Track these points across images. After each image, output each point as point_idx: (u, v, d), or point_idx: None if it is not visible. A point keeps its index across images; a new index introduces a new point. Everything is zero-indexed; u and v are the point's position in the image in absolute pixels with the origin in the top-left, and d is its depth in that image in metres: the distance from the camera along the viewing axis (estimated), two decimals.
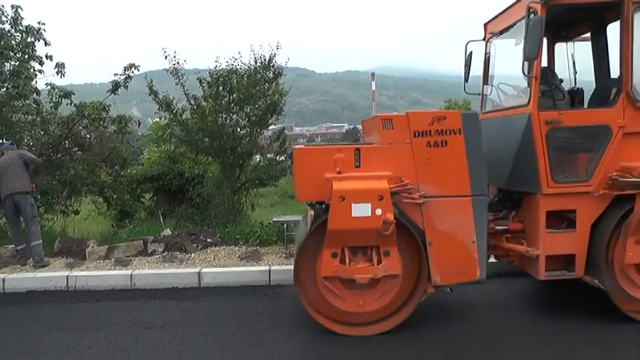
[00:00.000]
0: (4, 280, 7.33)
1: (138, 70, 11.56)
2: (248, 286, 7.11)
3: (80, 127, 11.48)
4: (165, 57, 12.34)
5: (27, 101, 10.73)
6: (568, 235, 5.51)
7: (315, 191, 5.22)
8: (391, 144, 5.30)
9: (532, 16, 5.17)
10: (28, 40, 10.76)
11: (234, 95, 12.16)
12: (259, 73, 12.05)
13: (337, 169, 5.19)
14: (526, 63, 5.28)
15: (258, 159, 13.81)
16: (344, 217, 5.00)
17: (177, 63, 12.38)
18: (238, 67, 12.44)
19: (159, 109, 12.32)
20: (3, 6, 10.61)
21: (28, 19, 10.85)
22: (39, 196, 10.22)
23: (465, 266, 5.35)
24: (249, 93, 11.96)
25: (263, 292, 6.87)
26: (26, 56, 10.77)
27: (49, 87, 10.96)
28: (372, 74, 60.34)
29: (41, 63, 11.01)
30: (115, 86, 11.31)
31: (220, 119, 12.23)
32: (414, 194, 5.20)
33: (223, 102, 12.20)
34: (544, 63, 6.45)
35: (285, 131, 15.42)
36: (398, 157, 5.26)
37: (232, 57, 12.51)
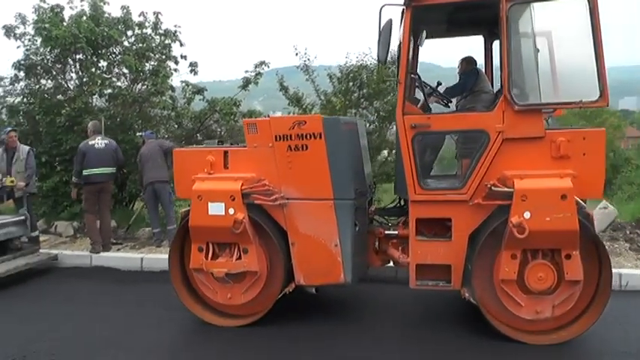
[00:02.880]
0: (142, 259, 8.87)
1: (268, 67, 12.97)
2: None
3: (211, 122, 13.17)
4: (296, 54, 12.85)
5: (163, 97, 12.63)
6: (442, 245, 5.50)
7: (189, 190, 5.82)
8: (255, 147, 5.76)
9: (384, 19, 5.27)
10: (166, 42, 12.66)
11: (364, 91, 12.59)
12: (389, 68, 12.13)
13: (207, 170, 5.82)
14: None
15: (385, 154, 14.18)
16: (202, 214, 5.61)
17: (308, 59, 12.96)
18: (368, 62, 12.76)
19: (289, 104, 12.96)
20: (146, 13, 12.63)
21: (166, 23, 13.10)
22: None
23: (327, 268, 5.63)
24: (379, 88, 12.31)
25: None
26: (164, 57, 12.71)
27: (183, 84, 12.95)
28: None
29: (176, 62, 12.97)
30: (246, 82, 12.73)
31: (350, 114, 12.61)
32: (272, 196, 5.61)
33: (353, 97, 12.69)
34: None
35: None
36: (261, 159, 5.71)
37: (362, 52, 12.76)
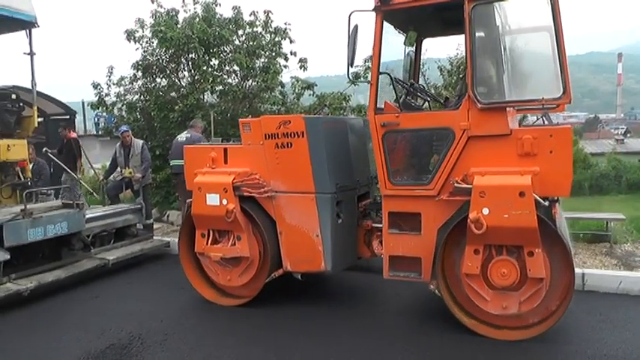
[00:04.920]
0: None
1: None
2: None
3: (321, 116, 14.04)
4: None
5: (273, 93, 13.74)
6: (413, 238, 5.83)
7: (193, 182, 6.67)
8: (249, 144, 6.49)
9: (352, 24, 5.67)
10: (276, 39, 13.69)
11: None
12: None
13: (210, 165, 6.66)
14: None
15: None
16: (201, 204, 6.49)
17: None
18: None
19: None
20: (257, 12, 13.77)
21: (277, 21, 13.86)
22: None
23: (310, 257, 6.24)
24: None
25: None
26: (274, 54, 13.73)
27: (293, 80, 13.86)
28: (619, 55, 50.40)
29: (286, 59, 13.93)
30: (355, 77, 12.99)
31: None
32: (262, 189, 6.31)
33: None
34: None
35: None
36: (254, 156, 6.42)
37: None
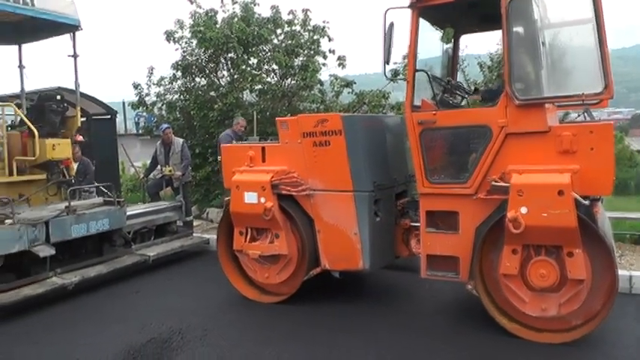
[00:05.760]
0: None
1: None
2: None
3: (360, 114, 14.06)
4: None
5: (312, 91, 13.80)
6: (450, 237, 5.81)
7: (231, 180, 6.77)
8: (287, 143, 6.56)
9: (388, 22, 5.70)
10: (315, 37, 13.77)
11: None
12: None
13: (247, 163, 6.76)
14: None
15: None
16: (239, 202, 6.60)
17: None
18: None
19: None
20: (295, 11, 13.88)
21: (315, 19, 13.94)
22: None
23: (348, 255, 6.28)
24: None
25: None
26: (312, 52, 13.80)
27: (332, 78, 13.94)
28: None
29: (325, 57, 13.97)
30: (394, 74, 12.99)
31: None
32: (300, 187, 6.37)
33: None
34: None
35: None
36: (292, 154, 6.48)
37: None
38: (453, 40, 7.17)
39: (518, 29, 5.46)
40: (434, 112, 5.84)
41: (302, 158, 6.42)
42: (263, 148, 6.81)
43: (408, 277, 7.38)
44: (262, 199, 6.41)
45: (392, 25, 5.71)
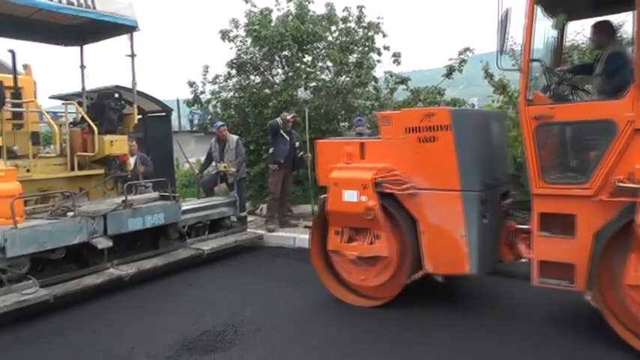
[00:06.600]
0: (294, 238, 10.04)
1: (472, 53, 13.23)
2: None
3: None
4: None
5: (366, 88, 13.64)
6: (565, 242, 5.31)
7: (328, 177, 6.44)
8: (389, 139, 6.16)
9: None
10: (369, 34, 13.62)
11: None
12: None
13: (345, 160, 6.41)
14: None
15: None
16: (337, 201, 6.22)
17: (514, 43, 12.13)
18: (580, 42, 12.17)
19: (493, 92, 12.76)
20: (350, 8, 13.73)
21: (370, 16, 13.84)
22: None
23: (454, 258, 5.84)
24: None
25: None
26: (367, 49, 13.65)
27: (386, 75, 13.79)
28: None
29: (379, 54, 13.82)
30: (450, 70, 13.18)
31: None
32: (403, 185, 5.98)
33: None
34: None
35: None
36: (394, 150, 6.09)
37: (574, 31, 11.88)
38: (562, 28, 6.64)
39: None
40: (551, 106, 5.37)
41: (405, 155, 6.02)
42: (362, 144, 6.47)
43: (513, 284, 6.94)
44: (363, 198, 6.03)
45: (507, 11, 5.23)
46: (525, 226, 5.81)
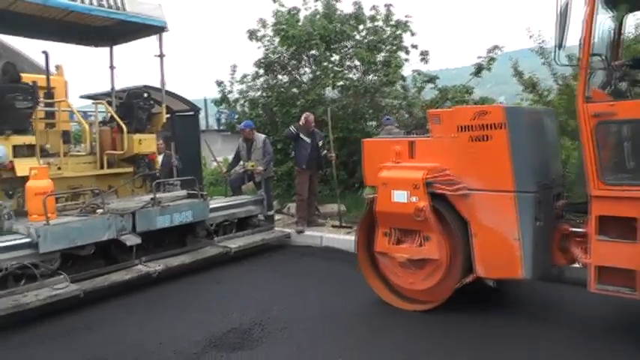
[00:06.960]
0: (321, 237, 10.03)
1: (501, 51, 13.00)
2: None
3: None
4: (530, 36, 11.94)
5: (394, 87, 13.56)
6: (627, 247, 5.00)
7: (376, 177, 6.22)
8: (439, 137, 5.94)
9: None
10: (397, 33, 13.48)
11: None
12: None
13: (394, 159, 6.20)
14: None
15: None
16: (386, 201, 6.00)
17: (543, 41, 12.07)
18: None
19: (523, 90, 12.49)
20: (378, 6, 13.62)
21: (397, 14, 13.69)
22: None
23: (506, 262, 5.59)
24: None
25: None
26: (395, 47, 13.52)
27: (414, 73, 13.66)
28: None
29: (407, 52, 13.66)
30: (479, 69, 13.01)
31: None
32: (455, 186, 5.74)
33: None
34: None
35: None
36: (445, 149, 5.85)
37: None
38: (621, 20, 6.30)
39: None
40: (612, 103, 5.10)
41: (456, 154, 5.80)
42: (411, 143, 6.25)
43: (563, 289, 6.71)
44: (414, 199, 5.82)
45: (567, 3, 4.97)
46: (580, 230, 5.56)
